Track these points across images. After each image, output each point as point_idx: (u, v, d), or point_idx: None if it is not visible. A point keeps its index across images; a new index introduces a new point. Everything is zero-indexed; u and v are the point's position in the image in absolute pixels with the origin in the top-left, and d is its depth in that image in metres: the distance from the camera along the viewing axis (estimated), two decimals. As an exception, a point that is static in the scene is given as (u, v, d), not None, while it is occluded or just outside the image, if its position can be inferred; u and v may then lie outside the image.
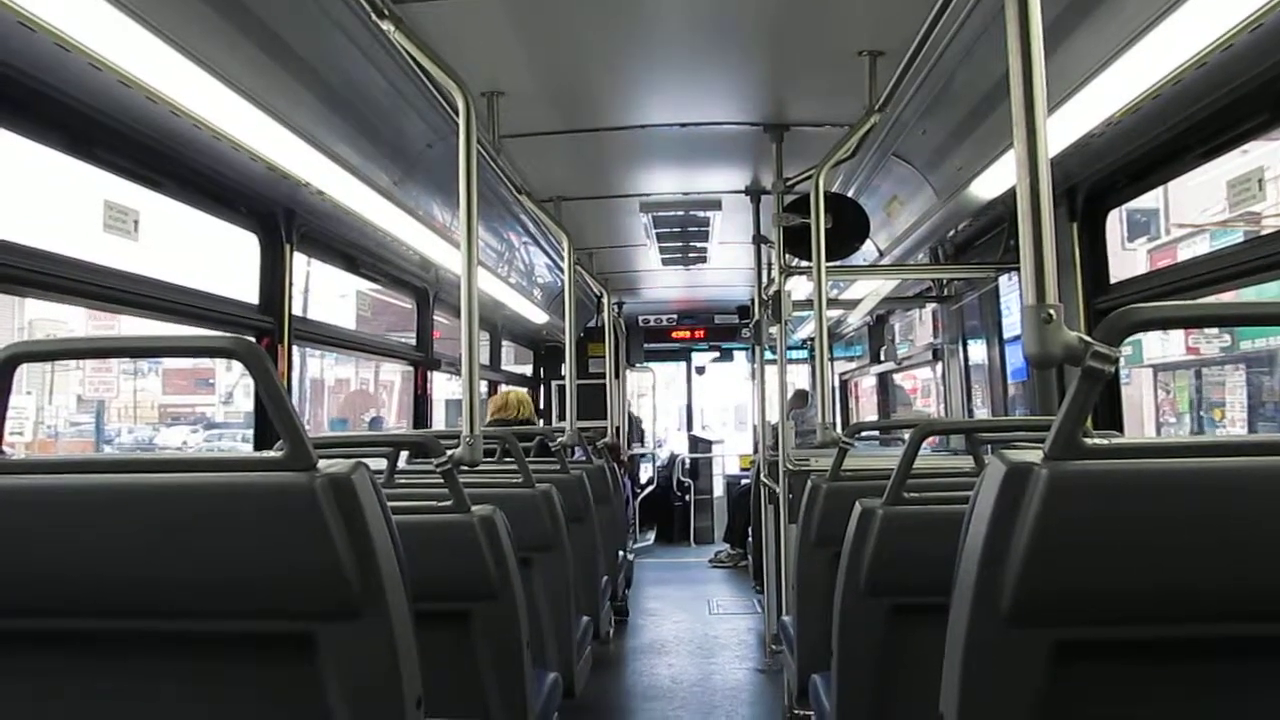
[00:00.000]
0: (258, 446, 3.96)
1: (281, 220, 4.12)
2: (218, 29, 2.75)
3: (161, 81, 2.70)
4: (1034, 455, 1.47)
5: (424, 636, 1.70)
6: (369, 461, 1.73)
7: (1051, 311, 1.52)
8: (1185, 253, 11.30)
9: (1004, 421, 4.68)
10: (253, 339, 3.92)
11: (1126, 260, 11.84)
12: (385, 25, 2.85)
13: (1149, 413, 15.82)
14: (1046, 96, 1.64)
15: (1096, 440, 1.47)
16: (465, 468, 2.73)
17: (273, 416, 1.55)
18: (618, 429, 8.61)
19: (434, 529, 2.56)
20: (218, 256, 4.49)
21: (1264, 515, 1.42)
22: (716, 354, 13.15)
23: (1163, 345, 14.77)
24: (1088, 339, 1.44)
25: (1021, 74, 1.63)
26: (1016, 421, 4.42)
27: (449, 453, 2.59)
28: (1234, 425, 13.85)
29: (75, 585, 1.55)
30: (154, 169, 3.29)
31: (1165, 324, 1.52)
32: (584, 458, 6.33)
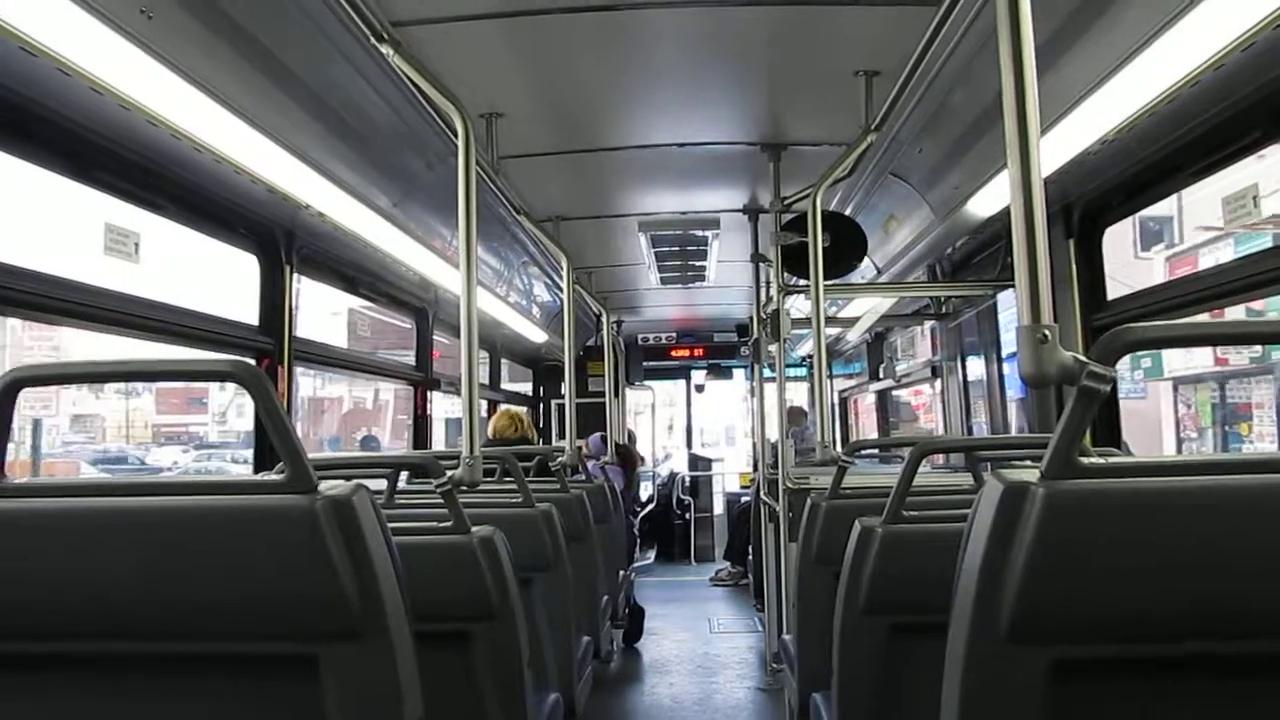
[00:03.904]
0: (257, 468, 3.97)
1: (282, 241, 4.13)
2: (218, 53, 2.77)
3: (162, 105, 2.71)
4: (1031, 474, 1.48)
5: (424, 657, 1.70)
6: (369, 482, 1.74)
7: (1046, 332, 1.53)
8: (1207, 259, 11.03)
9: (1002, 440, 4.69)
10: (252, 360, 3.97)
11: (1140, 270, 11.61)
12: (385, 49, 2.87)
13: (1169, 428, 15.57)
14: (1040, 117, 1.66)
15: (1093, 459, 1.48)
16: (465, 488, 2.73)
17: (274, 439, 1.56)
18: (618, 443, 8.62)
19: (434, 550, 2.56)
20: (215, 277, 4.51)
21: (1261, 533, 1.43)
22: (715, 371, 13.15)
23: (1186, 356, 14.51)
24: (1083, 359, 1.45)
25: (1014, 95, 1.64)
26: (1015, 439, 4.43)
27: (449, 474, 2.59)
28: (1262, 440, 13.64)
29: (77, 608, 1.56)
30: (155, 191, 3.31)
31: (1160, 344, 1.53)
32: (583, 476, 6.33)
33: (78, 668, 1.61)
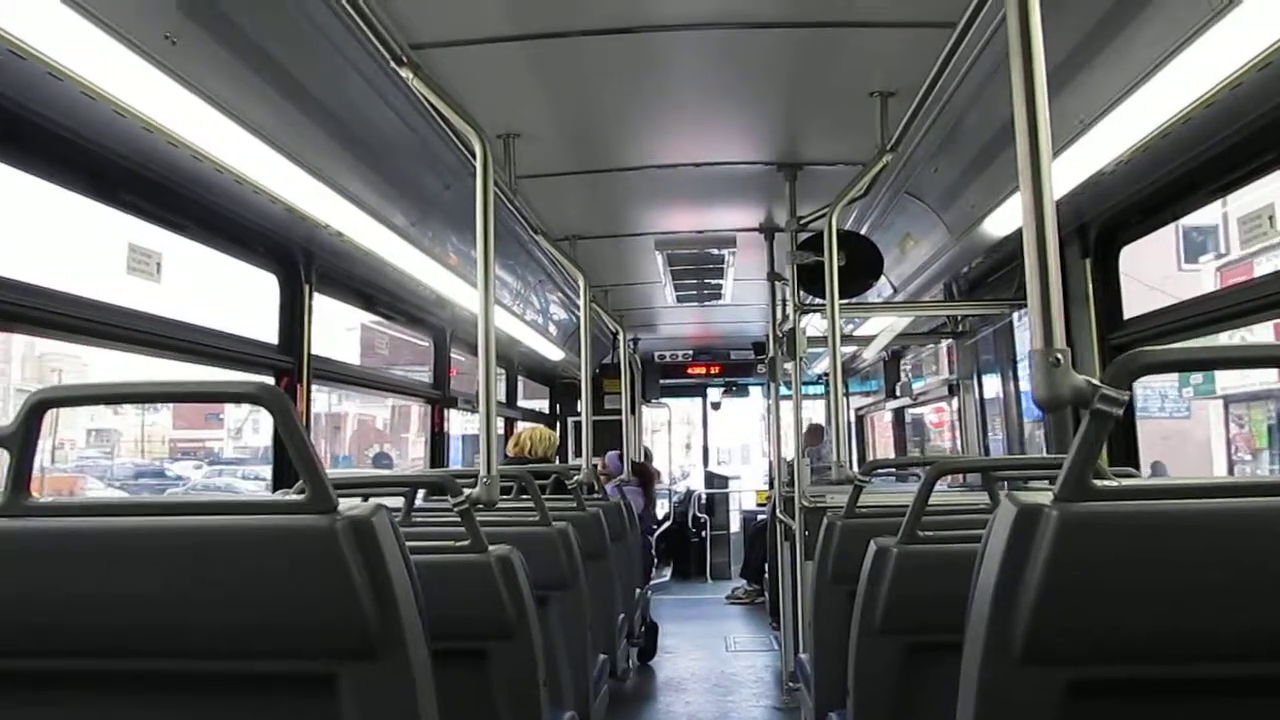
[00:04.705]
0: (276, 485, 3.99)
1: (301, 261, 4.17)
2: (239, 76, 2.81)
3: (184, 127, 2.75)
4: (1045, 496, 1.48)
5: (441, 675, 1.71)
6: (386, 500, 1.75)
7: (1059, 355, 1.54)
8: (1264, 267, 10.65)
9: (1018, 460, 4.67)
10: (271, 379, 4.00)
11: (1186, 282, 11.30)
12: (404, 72, 2.91)
13: (1219, 449, 15.04)
14: (1056, 137, 1.67)
15: (1107, 481, 1.48)
16: (482, 507, 2.75)
17: (294, 460, 1.58)
18: (635, 461, 8.63)
19: (452, 569, 2.57)
20: (236, 295, 4.54)
21: (1274, 555, 1.43)
22: (732, 388, 13.15)
23: (1241, 373, 13.90)
24: (1095, 382, 1.45)
25: (1026, 119, 1.65)
26: (1031, 460, 4.42)
27: (466, 493, 2.61)
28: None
29: (99, 626, 1.57)
30: (177, 212, 3.34)
31: (1174, 367, 1.54)
32: (601, 495, 6.33)
33: (98, 686, 1.63)
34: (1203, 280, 12.42)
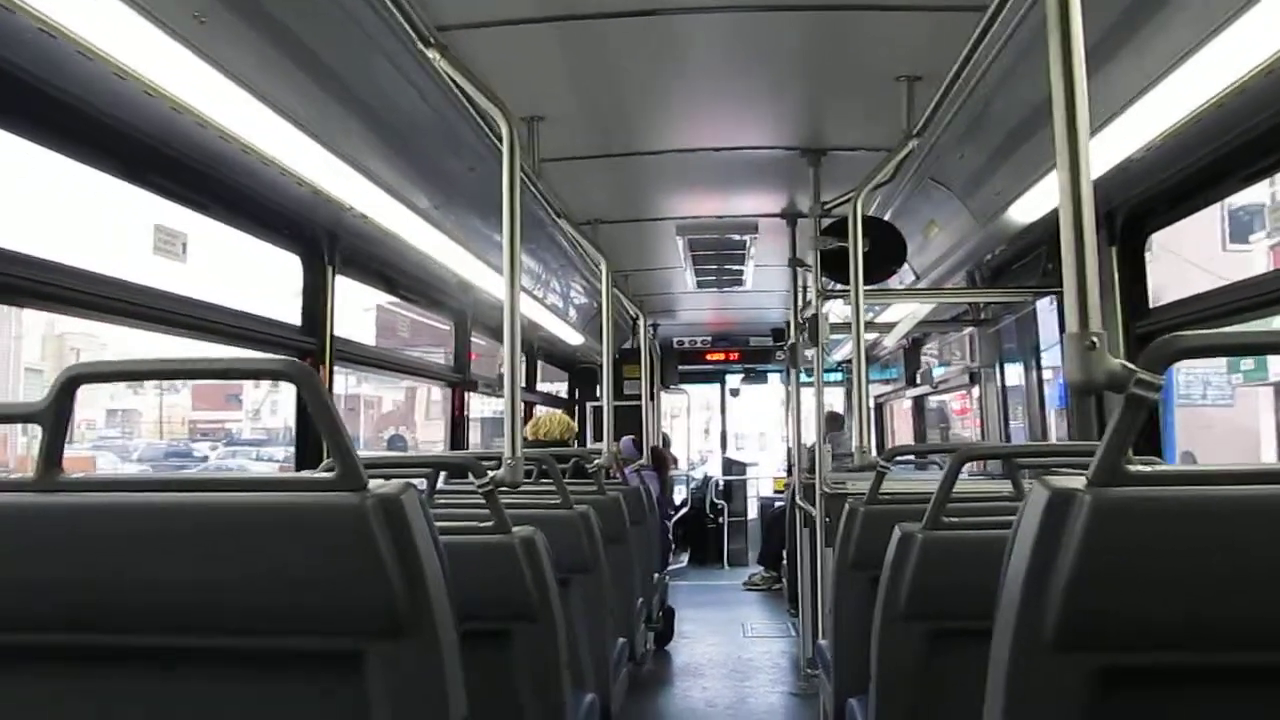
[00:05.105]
0: (299, 466, 4.01)
1: (324, 243, 4.18)
2: (267, 57, 2.81)
3: (212, 108, 2.76)
4: (1077, 481, 1.47)
5: (465, 656, 1.71)
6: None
7: (1094, 339, 1.52)
8: None
9: (1042, 447, 4.65)
10: (296, 359, 4.01)
11: (1234, 263, 10.96)
12: (430, 53, 2.90)
13: (1268, 440, 14.59)
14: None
15: (1140, 467, 1.47)
16: (506, 488, 2.75)
17: (325, 437, 1.58)
18: (654, 448, 8.63)
19: (476, 549, 2.58)
20: (259, 276, 4.56)
21: None
22: (750, 375, 13.15)
23: None
24: (1131, 366, 1.44)
25: (1064, 100, 1.64)
26: (1055, 447, 4.40)
27: (490, 474, 2.61)
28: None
29: (129, 602, 1.58)
30: (202, 192, 3.35)
31: (1211, 352, 1.52)
32: (620, 479, 6.34)
33: (126, 662, 1.64)
34: (1254, 262, 11.97)
